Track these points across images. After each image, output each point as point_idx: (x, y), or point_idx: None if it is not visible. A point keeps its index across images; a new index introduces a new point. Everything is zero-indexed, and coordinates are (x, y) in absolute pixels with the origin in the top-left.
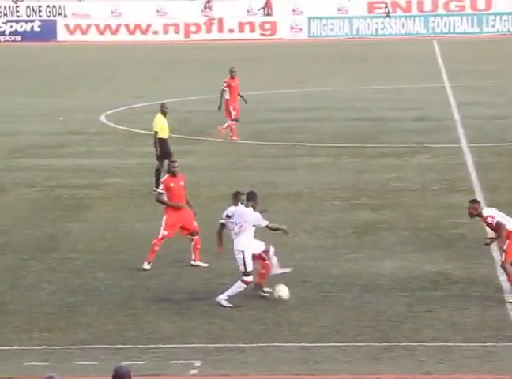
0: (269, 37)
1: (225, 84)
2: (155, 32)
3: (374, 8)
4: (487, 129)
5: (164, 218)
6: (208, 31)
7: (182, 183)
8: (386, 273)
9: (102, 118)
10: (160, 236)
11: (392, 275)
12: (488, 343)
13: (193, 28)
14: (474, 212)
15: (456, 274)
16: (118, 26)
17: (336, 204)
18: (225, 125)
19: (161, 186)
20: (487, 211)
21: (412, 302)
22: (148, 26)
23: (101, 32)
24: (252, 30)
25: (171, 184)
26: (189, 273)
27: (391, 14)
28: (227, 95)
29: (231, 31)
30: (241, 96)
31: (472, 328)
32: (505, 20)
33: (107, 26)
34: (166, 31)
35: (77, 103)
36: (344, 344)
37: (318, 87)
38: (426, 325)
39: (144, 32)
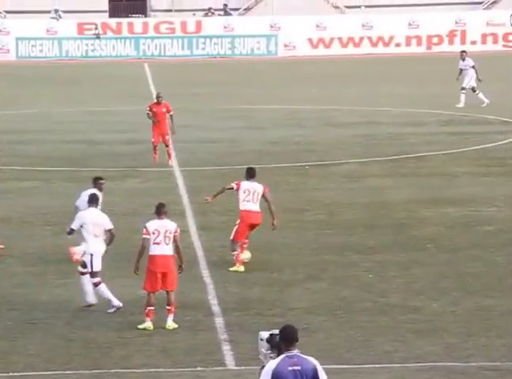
0: None
1: None
2: None
3: (84, 29)
4: (199, 153)
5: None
6: None
7: None
8: (98, 298)
9: None
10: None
11: (102, 300)
12: (199, 368)
13: None
14: None
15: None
16: None
17: (48, 229)
18: None
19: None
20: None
21: (122, 328)
22: None
23: None
24: None
25: None
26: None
27: (101, 36)
28: None
29: None
30: None
31: (183, 352)
32: (215, 43)
33: None
34: None
35: None
36: (54, 372)
37: (26, 109)
38: (136, 351)
39: None
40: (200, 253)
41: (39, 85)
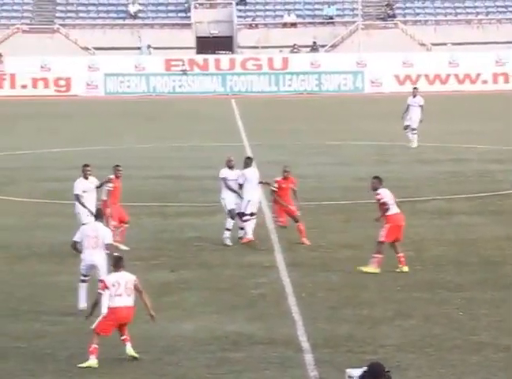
0: (64, 93)
1: None
2: None
3: (171, 65)
4: None
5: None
6: (0, 86)
7: None
8: (187, 334)
9: None
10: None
11: (192, 336)
12: None
13: None
14: (373, 186)
15: (257, 334)
16: None
17: (136, 264)
18: None
19: None
20: (381, 189)
21: (212, 364)
22: None
23: None
24: (46, 86)
25: None
26: None
27: (188, 72)
28: None
29: (24, 87)
30: None
31: None
32: (301, 80)
33: None
34: None
35: None
36: None
37: (114, 145)
38: None
39: None
40: (289, 289)
41: (126, 121)
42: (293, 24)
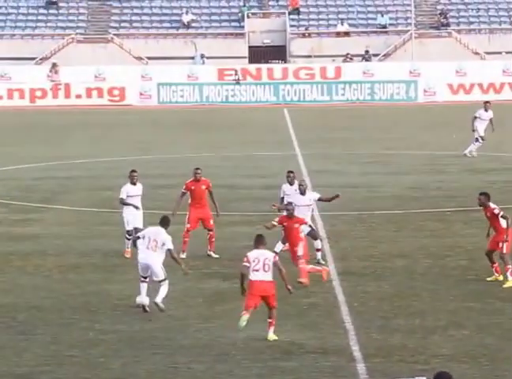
0: (117, 103)
1: None
2: None
3: (224, 75)
4: None
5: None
6: (55, 96)
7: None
8: (239, 343)
9: None
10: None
11: (244, 345)
12: None
13: (38, 94)
14: (481, 202)
15: (309, 344)
16: None
17: (188, 272)
18: None
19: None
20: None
21: (264, 373)
22: None
23: None
24: (100, 96)
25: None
26: (34, 345)
27: (241, 81)
28: None
29: (79, 96)
30: None
31: None
32: (354, 89)
33: None
34: (10, 97)
35: None
36: None
37: (167, 153)
38: None
39: None
40: (341, 298)
41: (179, 130)
42: (346, 33)
